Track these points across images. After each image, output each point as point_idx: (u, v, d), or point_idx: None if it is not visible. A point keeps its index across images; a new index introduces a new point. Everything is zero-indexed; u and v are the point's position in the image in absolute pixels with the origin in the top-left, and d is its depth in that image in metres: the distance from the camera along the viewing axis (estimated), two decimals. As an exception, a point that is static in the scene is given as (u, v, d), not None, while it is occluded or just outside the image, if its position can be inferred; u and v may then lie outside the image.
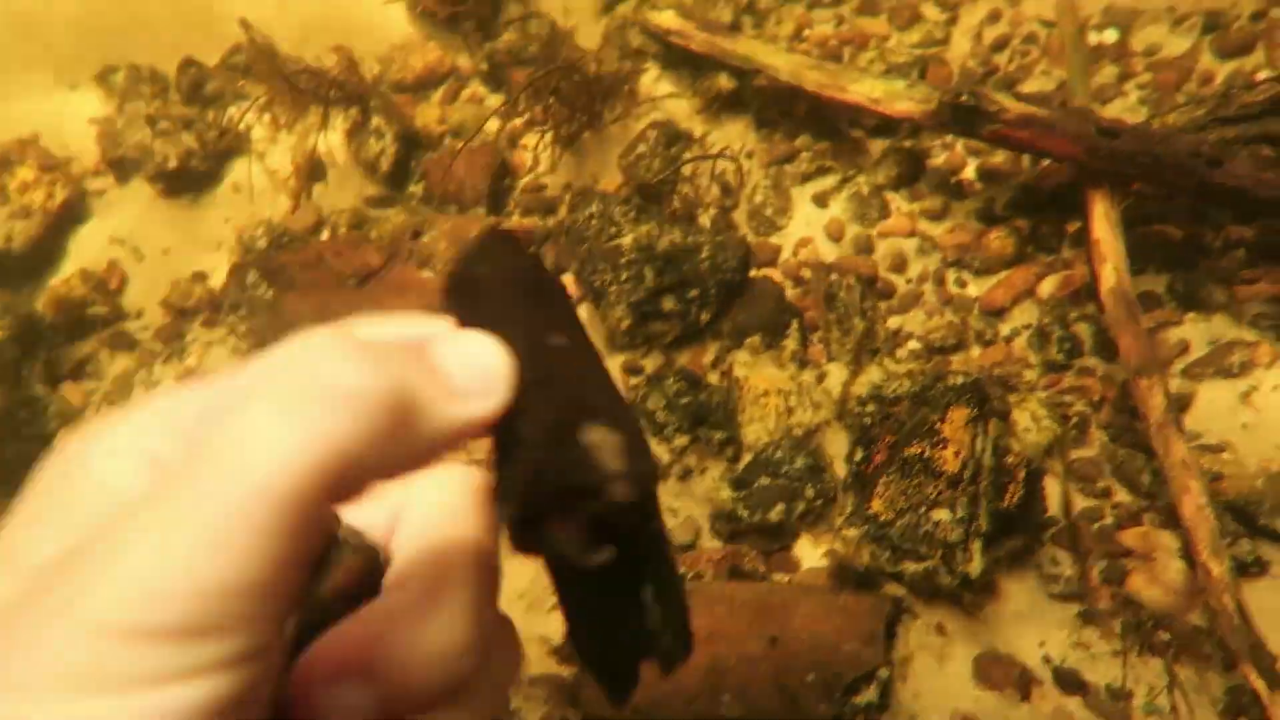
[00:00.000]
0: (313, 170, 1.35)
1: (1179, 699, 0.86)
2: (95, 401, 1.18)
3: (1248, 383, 1.05)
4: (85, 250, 1.29)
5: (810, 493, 1.06)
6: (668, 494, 1.11)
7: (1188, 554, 0.92)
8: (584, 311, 1.26)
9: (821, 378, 1.19)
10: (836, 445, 1.11)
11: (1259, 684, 0.79)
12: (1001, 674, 0.93)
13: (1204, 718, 0.86)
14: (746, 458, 1.13)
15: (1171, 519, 0.95)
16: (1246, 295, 1.10)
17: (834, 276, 1.26)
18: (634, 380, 1.21)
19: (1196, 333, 1.10)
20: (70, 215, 1.28)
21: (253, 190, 1.28)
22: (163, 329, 1.24)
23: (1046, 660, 0.93)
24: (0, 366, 1.14)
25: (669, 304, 1.24)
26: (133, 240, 1.28)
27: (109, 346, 1.23)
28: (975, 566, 0.97)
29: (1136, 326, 1.02)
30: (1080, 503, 1.03)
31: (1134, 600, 0.94)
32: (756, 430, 1.16)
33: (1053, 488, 1.04)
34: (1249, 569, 0.91)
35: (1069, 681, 0.91)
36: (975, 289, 1.21)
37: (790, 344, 1.24)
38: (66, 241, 1.28)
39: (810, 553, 1.06)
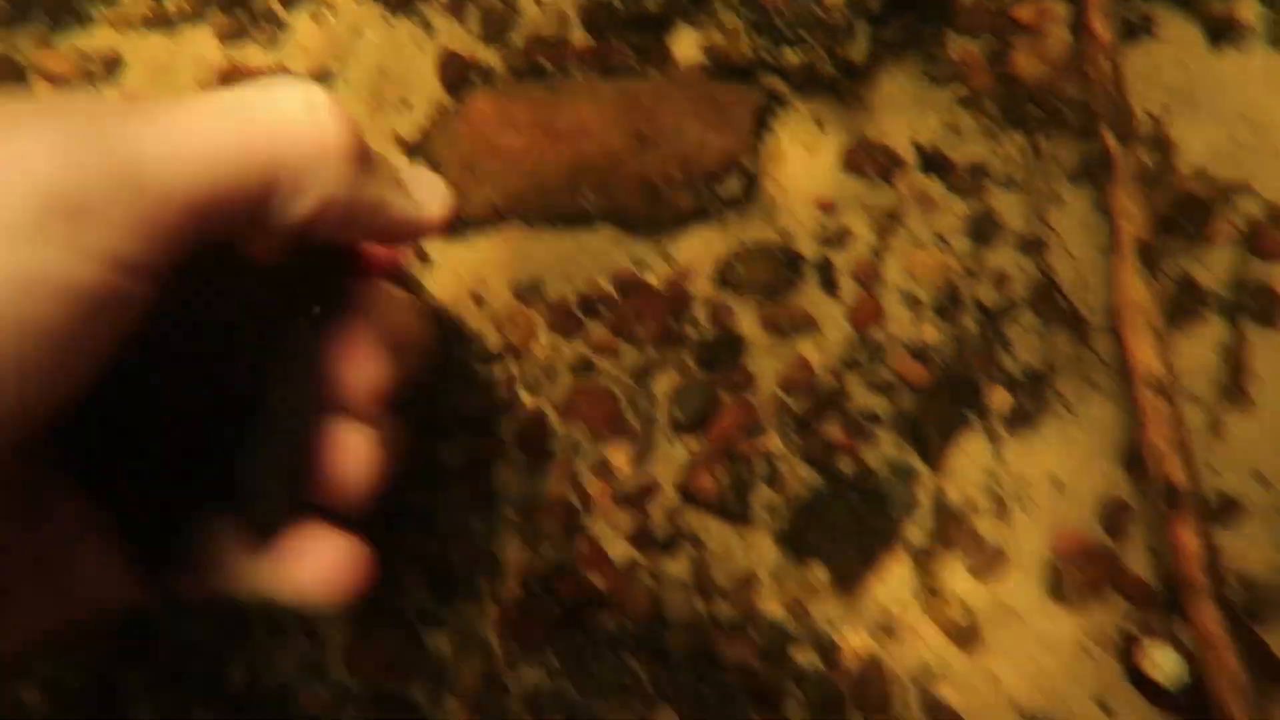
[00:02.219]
0: None
1: (1031, 167, 0.86)
2: None
3: None
4: None
5: (687, -33, 0.92)
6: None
7: (1077, 24, 0.85)
8: None
9: None
10: (721, -82, 0.94)
11: (1112, 143, 0.78)
12: (868, 160, 0.90)
13: (1051, 183, 0.86)
14: (619, -65, 0.96)
15: (1071, -12, 0.86)
16: None
17: None
18: None
19: None
20: None
21: None
22: None
23: (915, 145, 0.90)
24: None
25: None
26: None
27: None
28: (859, 52, 0.89)
29: None
30: (978, -20, 0.93)
31: (1014, 76, 0.89)
32: (631, -102, 0.97)
33: (952, -39, 0.92)
34: (1135, 30, 0.86)
35: (933, 162, 0.89)
36: None
37: None
38: None
39: (688, 48, 0.95)
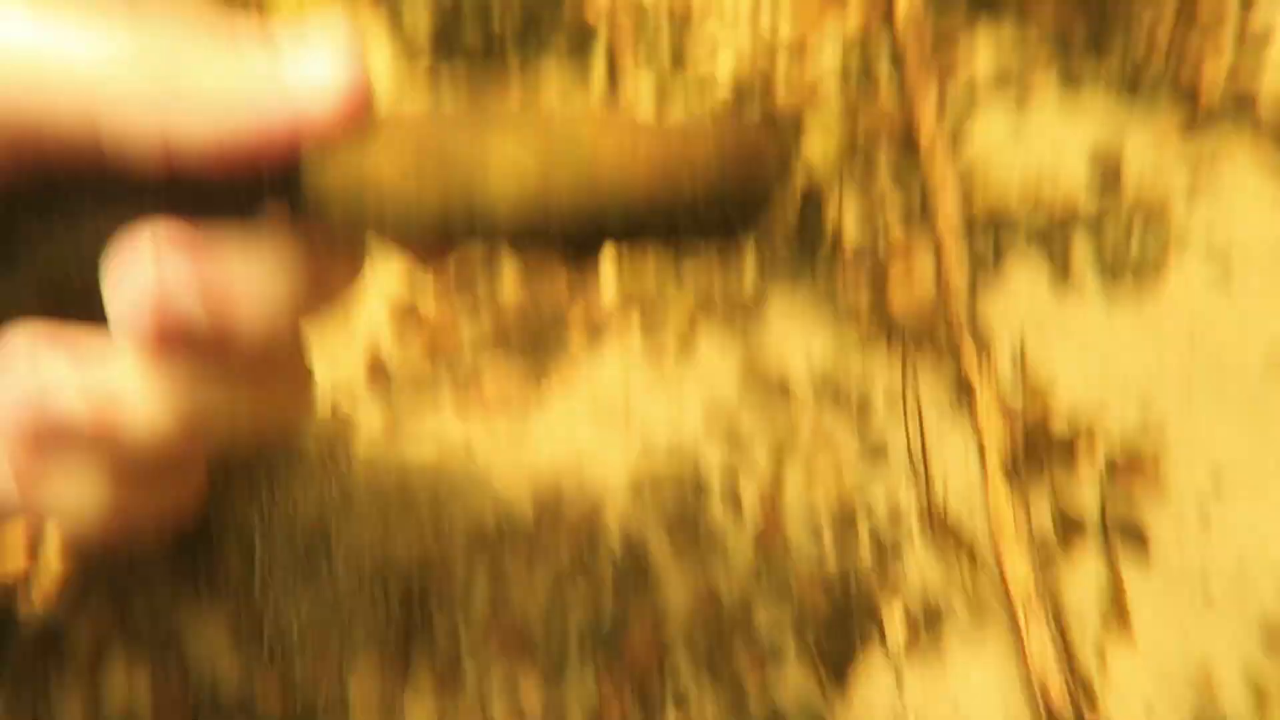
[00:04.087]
0: None
1: (911, 396, 0.94)
2: None
3: (1026, 103, 1.06)
4: None
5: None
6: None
7: (938, 263, 0.96)
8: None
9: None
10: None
11: (971, 371, 0.87)
12: (763, 384, 0.98)
13: (934, 412, 0.94)
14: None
15: (933, 233, 0.98)
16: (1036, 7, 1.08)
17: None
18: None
19: (986, 52, 1.09)
20: None
21: None
22: None
23: (809, 370, 0.98)
24: None
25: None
26: None
27: None
28: (749, 280, 0.99)
29: (922, 49, 0.99)
30: (858, 220, 1.05)
31: (890, 309, 0.99)
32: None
33: (833, 205, 1.05)
34: (988, 271, 0.97)
35: (825, 388, 0.97)
36: (785, 29, 1.13)
37: (596, 77, 1.15)
38: None
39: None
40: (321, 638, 0.85)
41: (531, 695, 0.84)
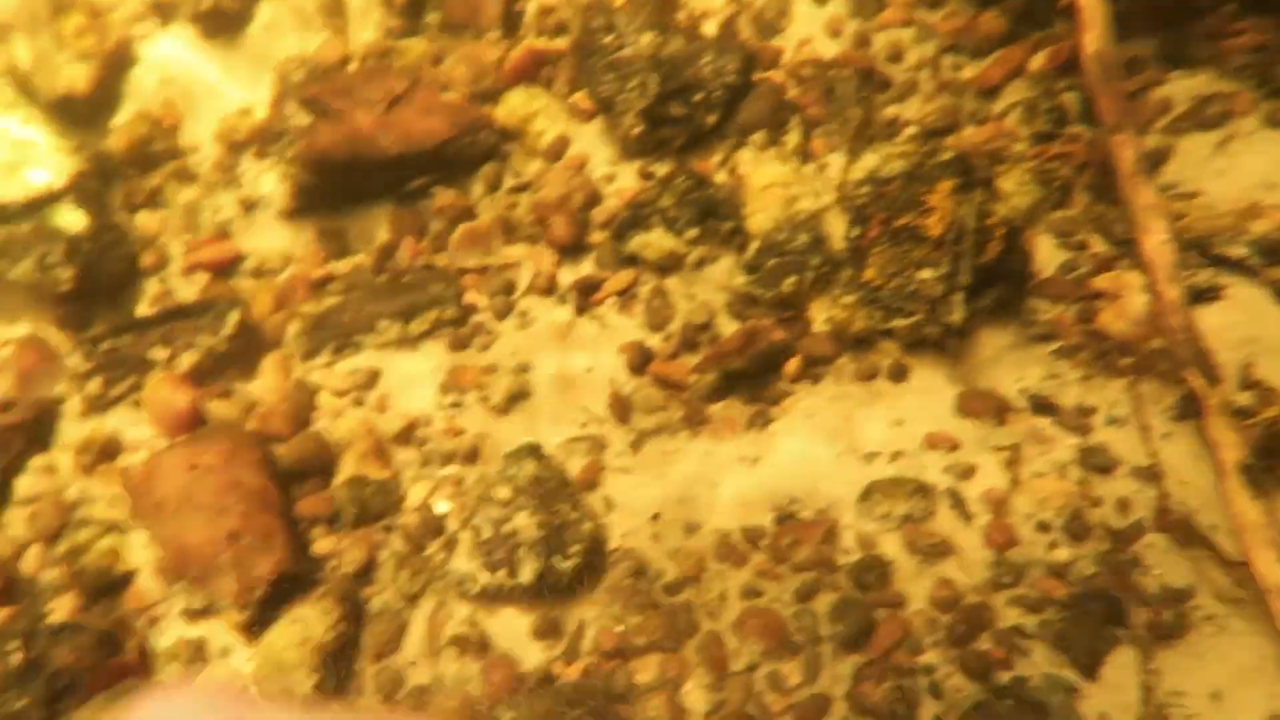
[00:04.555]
0: (336, 6, 1.42)
1: (1136, 408, 0.99)
2: (170, 228, 1.33)
3: (1225, 132, 1.12)
4: (140, 91, 1.40)
5: (815, 261, 1.17)
6: (683, 284, 1.23)
7: (1151, 288, 1.02)
8: (597, 124, 1.34)
9: (822, 168, 1.27)
10: (836, 227, 1.20)
11: (1198, 383, 0.91)
12: (981, 405, 1.06)
13: (1157, 422, 0.99)
14: (754, 245, 1.24)
15: (1139, 261, 1.05)
16: (1231, 49, 1.14)
17: (832, 72, 1.33)
18: (647, 184, 1.30)
19: (1180, 90, 1.16)
20: (122, 59, 1.38)
21: (284, 27, 1.37)
22: (219, 161, 1.37)
23: (1022, 391, 1.06)
24: (87, 196, 1.27)
25: (676, 109, 1.32)
26: (181, 80, 1.38)
27: (175, 179, 1.36)
28: (957, 316, 1.08)
29: (1114, 87, 1.08)
30: (1059, 256, 1.13)
31: (1102, 333, 1.05)
32: (761, 220, 1.26)
33: (1035, 244, 1.14)
34: (1204, 294, 1.01)
35: (1041, 405, 1.04)
36: (970, 71, 1.27)
37: (792, 139, 1.31)
38: (122, 84, 1.39)
39: (819, 322, 1.17)
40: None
41: (793, 679, 0.94)
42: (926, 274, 1.09)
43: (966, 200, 1.13)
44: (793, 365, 1.17)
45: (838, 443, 1.10)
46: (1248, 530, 0.86)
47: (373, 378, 1.23)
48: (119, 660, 1.00)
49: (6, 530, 1.15)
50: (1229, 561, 0.89)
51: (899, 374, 1.12)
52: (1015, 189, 1.17)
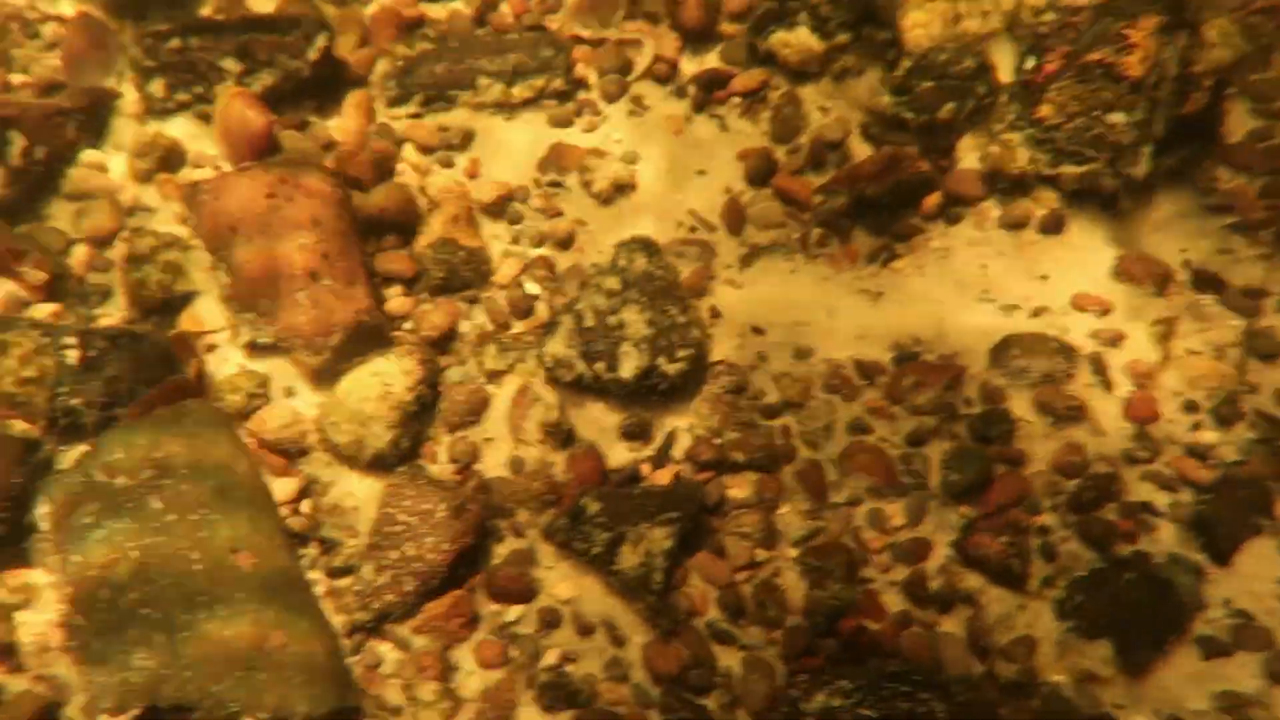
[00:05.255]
0: None
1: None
2: None
3: None
4: None
5: (981, 90, 1.04)
6: (820, 94, 1.10)
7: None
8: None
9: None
10: (1004, 55, 1.07)
11: None
12: (1141, 271, 0.97)
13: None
14: (905, 63, 1.10)
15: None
16: None
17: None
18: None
19: None
20: None
21: None
22: None
23: (1187, 263, 0.96)
24: None
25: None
26: None
27: None
28: (1142, 168, 0.97)
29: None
30: (1251, 122, 1.01)
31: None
32: (919, 36, 1.11)
33: (1228, 105, 1.02)
34: None
35: (1207, 280, 0.95)
36: None
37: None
38: None
39: (969, 159, 1.05)
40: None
41: (896, 519, 0.88)
42: (1118, 118, 0.97)
43: (1170, 42, 1.00)
44: (931, 201, 1.06)
45: (971, 290, 1.01)
46: None
47: (466, 139, 1.09)
48: (178, 379, 0.91)
49: (53, 222, 1.03)
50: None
51: (1054, 226, 1.02)
52: (1220, 39, 1.03)
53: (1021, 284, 1.00)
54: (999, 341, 0.97)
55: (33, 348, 0.89)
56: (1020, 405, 0.94)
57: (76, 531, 0.83)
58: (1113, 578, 0.85)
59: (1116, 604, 0.83)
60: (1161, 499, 0.88)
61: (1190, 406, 0.92)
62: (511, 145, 1.11)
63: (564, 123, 1.13)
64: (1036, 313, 0.98)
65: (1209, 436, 0.91)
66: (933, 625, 0.85)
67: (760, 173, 1.10)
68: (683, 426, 0.96)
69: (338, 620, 0.87)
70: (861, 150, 1.10)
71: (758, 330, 1.00)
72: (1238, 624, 0.81)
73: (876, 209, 1.07)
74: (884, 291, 1.02)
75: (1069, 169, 1.00)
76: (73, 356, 0.89)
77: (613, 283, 0.96)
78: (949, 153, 1.07)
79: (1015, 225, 1.03)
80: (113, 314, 0.99)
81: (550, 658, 0.87)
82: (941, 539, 0.89)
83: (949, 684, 0.79)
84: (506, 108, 1.13)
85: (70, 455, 0.90)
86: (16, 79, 1.10)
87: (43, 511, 0.86)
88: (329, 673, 0.82)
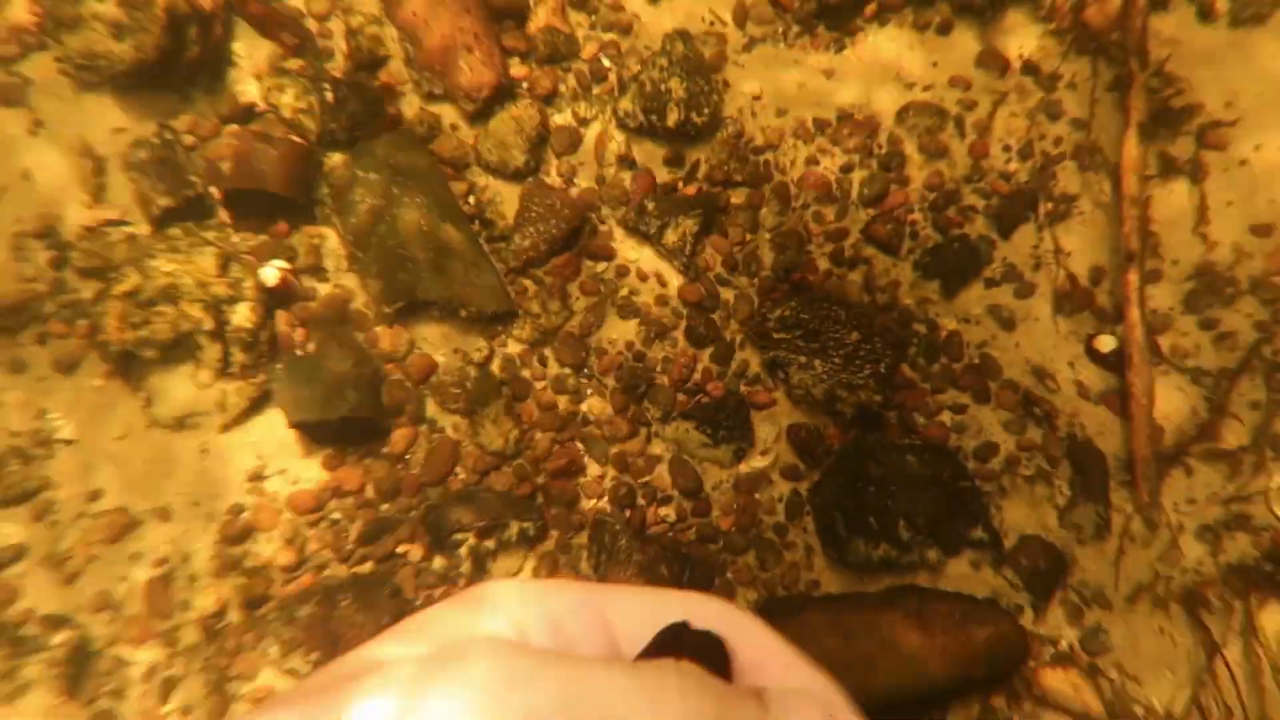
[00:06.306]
0: None
1: (1090, 76, 1.49)
2: None
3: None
4: None
5: (905, -71, 1.52)
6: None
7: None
8: None
9: None
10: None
11: (1135, 66, 1.41)
12: (992, 61, 1.52)
13: (1098, 91, 1.49)
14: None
15: (1131, -24, 1.47)
16: None
17: None
18: None
19: None
20: None
21: None
22: None
23: (1020, 56, 1.51)
24: None
25: None
26: None
27: None
28: (998, -7, 1.49)
29: None
30: (1079, -38, 1.53)
31: (1084, 23, 1.50)
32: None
33: (1066, -51, 1.52)
34: (1158, 3, 1.47)
35: (1029, 67, 1.51)
36: None
37: None
38: None
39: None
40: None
41: (829, 217, 1.48)
42: (990, -47, 1.48)
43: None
44: (871, 8, 1.57)
45: (890, 71, 1.55)
46: (1129, 164, 1.41)
47: (553, -51, 1.52)
48: (387, 114, 1.40)
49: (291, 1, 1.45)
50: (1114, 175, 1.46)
51: (944, 28, 1.55)
52: (1068, -102, 1.52)
53: (921, 67, 1.54)
54: (902, 106, 1.53)
55: (301, 89, 1.36)
56: (910, 147, 1.52)
57: (349, 205, 1.36)
58: (946, 247, 1.48)
59: (945, 261, 1.47)
60: (980, 203, 1.50)
61: (1005, 149, 1.51)
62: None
63: None
64: (926, 87, 1.54)
65: (1013, 166, 1.51)
66: (844, 276, 1.49)
67: None
68: (703, 158, 1.51)
69: (498, 265, 1.45)
70: (825, -35, 1.58)
71: (755, 98, 1.53)
72: (1006, 270, 1.47)
73: (834, 12, 1.57)
74: (835, 70, 1.54)
75: (958, -10, 1.52)
76: (329, 96, 1.36)
77: (663, 61, 1.45)
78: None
79: (922, 27, 1.55)
80: (336, 69, 1.44)
81: (623, 290, 1.48)
82: (854, 228, 1.50)
83: (849, 304, 1.44)
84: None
85: (332, 160, 1.41)
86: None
87: (323, 191, 1.39)
88: (498, 291, 1.41)
